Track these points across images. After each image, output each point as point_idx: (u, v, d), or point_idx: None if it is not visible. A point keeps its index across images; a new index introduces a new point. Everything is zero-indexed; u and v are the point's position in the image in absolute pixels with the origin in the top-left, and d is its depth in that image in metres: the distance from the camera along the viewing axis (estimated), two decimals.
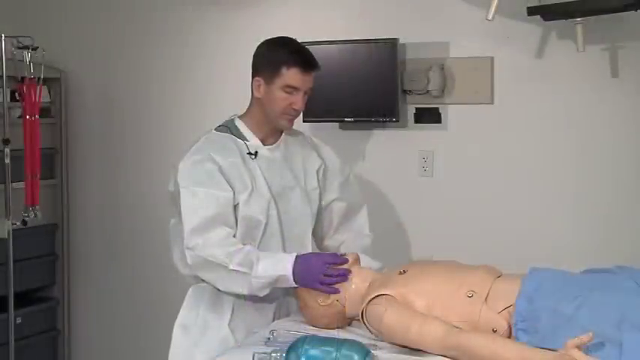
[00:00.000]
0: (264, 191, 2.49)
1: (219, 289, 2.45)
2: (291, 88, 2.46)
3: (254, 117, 2.55)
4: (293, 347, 2.04)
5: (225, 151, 2.49)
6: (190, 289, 2.57)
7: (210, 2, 3.72)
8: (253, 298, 2.47)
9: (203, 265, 2.39)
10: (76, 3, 4.06)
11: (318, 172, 2.65)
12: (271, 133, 2.58)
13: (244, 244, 2.41)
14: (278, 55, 2.48)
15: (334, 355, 2.00)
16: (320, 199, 2.65)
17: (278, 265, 2.35)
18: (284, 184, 2.55)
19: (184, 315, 2.56)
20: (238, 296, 2.48)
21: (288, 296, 2.57)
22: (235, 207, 2.44)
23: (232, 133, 2.54)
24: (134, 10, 3.91)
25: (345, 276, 2.35)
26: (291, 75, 2.45)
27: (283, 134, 2.62)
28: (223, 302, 2.50)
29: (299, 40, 3.32)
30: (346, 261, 2.40)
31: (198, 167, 2.45)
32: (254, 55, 2.54)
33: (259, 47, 2.55)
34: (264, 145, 2.56)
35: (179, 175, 2.46)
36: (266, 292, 2.40)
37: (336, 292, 2.34)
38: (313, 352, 2.02)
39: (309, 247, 2.59)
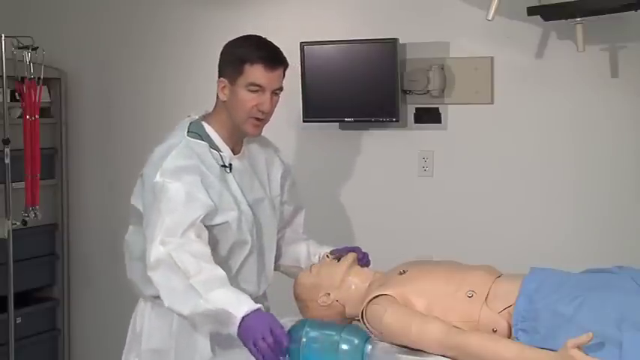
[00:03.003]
0: (246, 210, 2.34)
1: (163, 303, 2.17)
2: (255, 87, 2.27)
3: (223, 123, 2.36)
4: (294, 329, 2.03)
5: (205, 163, 2.30)
6: (148, 309, 2.38)
7: (210, 2, 3.72)
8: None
9: (165, 267, 2.12)
10: (76, 3, 4.06)
11: (282, 177, 2.55)
12: (239, 141, 2.42)
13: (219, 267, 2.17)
14: (241, 51, 2.31)
15: (336, 337, 2.00)
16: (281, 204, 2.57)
17: (235, 302, 2.06)
18: (254, 197, 2.40)
19: (153, 339, 2.36)
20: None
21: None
22: (219, 226, 2.28)
23: (203, 141, 2.34)
24: (134, 11, 3.91)
25: (277, 354, 2.00)
26: (254, 72, 2.27)
27: (245, 139, 2.44)
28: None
29: (299, 41, 3.36)
30: (284, 340, 2.03)
31: (183, 171, 2.24)
32: (219, 56, 2.39)
33: (224, 47, 2.39)
34: (234, 154, 2.39)
35: (163, 171, 2.23)
36: (203, 325, 2.15)
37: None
38: (314, 334, 2.01)
39: (273, 256, 2.50)
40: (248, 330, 2.02)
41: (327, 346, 2.00)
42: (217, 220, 2.27)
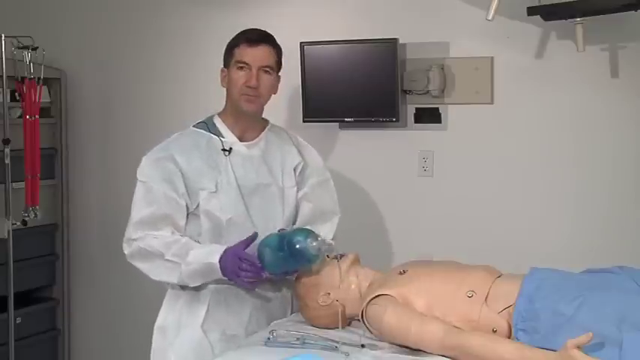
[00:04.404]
0: (232, 189, 2.50)
1: (152, 279, 2.51)
2: (242, 64, 2.48)
3: (229, 112, 2.57)
4: (259, 254, 2.30)
5: (194, 150, 2.51)
6: (168, 292, 2.60)
7: (210, 2, 3.72)
8: (228, 301, 2.51)
9: (139, 255, 2.46)
10: (76, 3, 4.06)
11: (295, 169, 2.63)
12: (249, 130, 2.58)
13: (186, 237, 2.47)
14: (231, 41, 2.56)
15: (285, 243, 2.26)
16: (296, 197, 2.63)
17: (208, 255, 2.39)
18: (259, 181, 2.55)
19: (162, 317, 2.60)
20: (213, 298, 2.51)
21: (264, 301, 2.56)
22: (197, 207, 2.49)
23: (209, 130, 2.56)
24: (134, 10, 3.91)
25: (258, 273, 2.34)
26: (240, 51, 2.50)
27: (265, 131, 2.62)
28: (199, 304, 2.52)
29: (299, 41, 3.36)
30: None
31: (159, 165, 2.50)
32: None
33: None
34: (242, 141, 2.56)
35: (139, 169, 2.52)
36: (197, 281, 2.44)
37: (252, 286, 2.40)
38: (270, 245, 2.30)
39: None
40: (226, 270, 2.36)
41: (283, 252, 2.27)
42: (194, 201, 2.48)
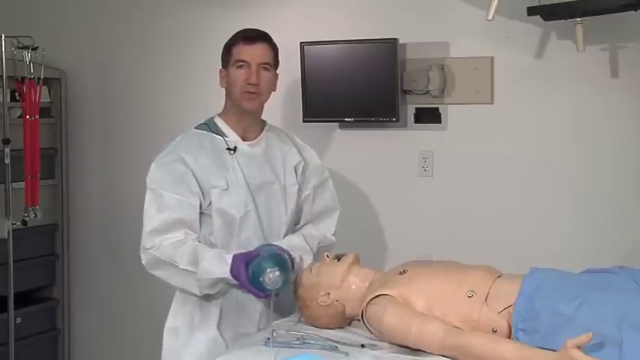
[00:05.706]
0: (241, 186, 2.52)
1: (175, 287, 2.51)
2: (241, 62, 2.51)
3: (230, 112, 2.59)
4: (254, 282, 2.30)
5: (200, 150, 2.53)
6: (176, 293, 2.59)
7: (210, 2, 3.72)
8: (239, 299, 2.52)
9: (155, 264, 2.45)
10: (76, 3, 4.06)
11: (296, 168, 2.66)
12: (251, 129, 2.61)
13: (199, 242, 2.46)
14: (229, 41, 2.59)
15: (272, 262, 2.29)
16: (298, 195, 2.66)
17: (218, 267, 2.38)
18: (263, 179, 2.57)
19: (173, 318, 2.59)
20: (225, 298, 2.52)
21: (275, 298, 2.57)
22: (209, 205, 2.49)
23: (211, 131, 2.58)
24: (134, 10, 3.91)
25: (264, 295, 2.34)
26: (237, 50, 2.53)
27: (264, 131, 2.65)
28: (211, 304, 2.53)
29: (299, 41, 3.36)
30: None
31: (167, 169, 2.50)
32: None
33: None
34: (244, 141, 2.59)
35: (148, 175, 2.52)
36: (217, 289, 2.44)
37: (261, 296, 2.34)
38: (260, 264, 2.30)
39: (279, 237, 2.59)
40: (239, 279, 2.33)
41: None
42: (207, 199, 2.49)
